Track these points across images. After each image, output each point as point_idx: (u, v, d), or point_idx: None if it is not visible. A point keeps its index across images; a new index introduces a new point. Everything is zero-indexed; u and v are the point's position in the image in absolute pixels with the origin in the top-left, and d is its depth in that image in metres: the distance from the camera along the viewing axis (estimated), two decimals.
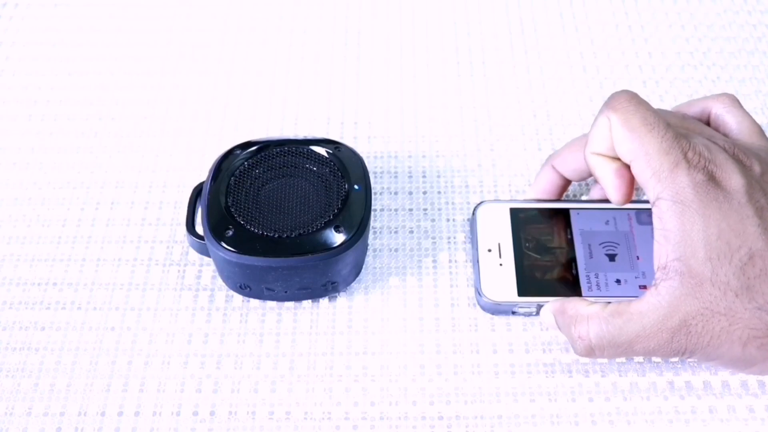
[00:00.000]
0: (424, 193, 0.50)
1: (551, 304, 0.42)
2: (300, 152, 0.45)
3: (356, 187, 0.44)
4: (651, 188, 0.38)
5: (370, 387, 0.43)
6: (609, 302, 0.40)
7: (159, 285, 0.46)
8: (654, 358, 0.43)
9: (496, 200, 0.48)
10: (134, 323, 0.45)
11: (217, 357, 0.44)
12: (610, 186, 0.41)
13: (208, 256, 0.45)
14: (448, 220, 0.49)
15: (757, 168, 0.39)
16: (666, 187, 0.38)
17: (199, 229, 0.44)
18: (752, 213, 0.37)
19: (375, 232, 0.48)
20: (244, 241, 0.42)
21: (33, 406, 0.42)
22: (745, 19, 0.60)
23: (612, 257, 0.45)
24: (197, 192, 0.46)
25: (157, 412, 0.42)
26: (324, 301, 0.46)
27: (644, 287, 0.44)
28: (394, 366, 0.43)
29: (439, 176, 0.51)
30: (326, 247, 0.42)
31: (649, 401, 0.42)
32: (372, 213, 0.49)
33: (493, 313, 0.45)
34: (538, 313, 0.44)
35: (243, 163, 0.45)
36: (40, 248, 0.48)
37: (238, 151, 0.45)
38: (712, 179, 0.38)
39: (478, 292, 0.45)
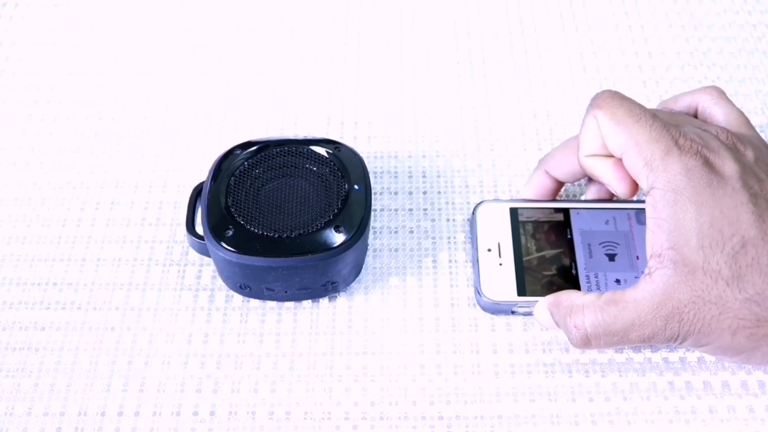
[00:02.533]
0: (424, 193, 0.50)
1: (545, 299, 0.42)
2: (300, 152, 0.45)
3: (356, 187, 0.44)
4: (644, 178, 0.38)
5: (370, 387, 0.43)
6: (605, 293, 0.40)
7: (159, 285, 0.46)
8: (654, 359, 0.43)
9: (496, 200, 0.48)
10: (134, 323, 0.45)
11: (217, 357, 0.44)
12: (613, 181, 0.41)
13: (208, 256, 0.45)
14: (448, 220, 0.49)
15: (750, 154, 0.39)
16: (658, 175, 0.38)
17: (199, 229, 0.44)
18: (746, 199, 0.37)
19: (375, 232, 0.48)
20: (244, 241, 0.42)
21: (33, 406, 0.42)
22: (745, 19, 0.60)
23: (612, 257, 0.45)
24: (197, 192, 0.46)
25: (157, 412, 0.42)
26: (324, 301, 0.46)
27: None
28: (394, 366, 0.43)
29: (439, 176, 0.51)
30: (326, 247, 0.42)
31: (649, 401, 0.42)
32: (372, 213, 0.49)
33: (492, 313, 0.45)
34: None
35: (243, 163, 0.45)
36: (40, 248, 0.48)
37: (238, 151, 0.45)
38: (707, 164, 0.37)
39: (478, 291, 0.45)
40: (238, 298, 0.46)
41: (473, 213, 0.48)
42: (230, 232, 0.42)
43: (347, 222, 0.43)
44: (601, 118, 0.40)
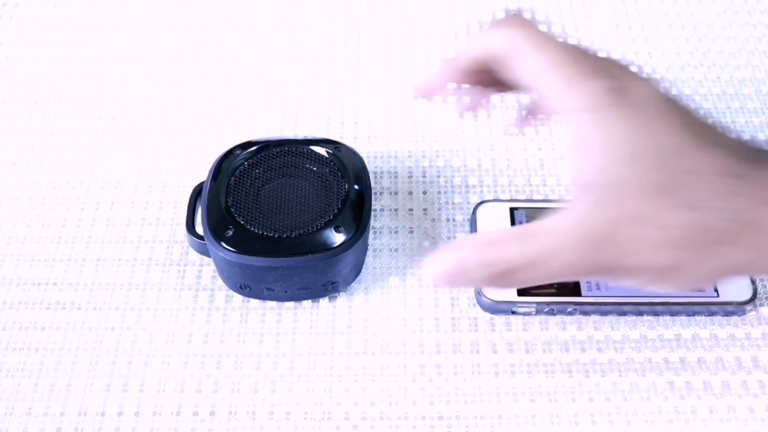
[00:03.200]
0: (424, 193, 0.50)
1: (439, 252, 0.36)
2: (300, 152, 0.45)
3: (356, 187, 0.44)
4: (563, 100, 0.36)
5: (370, 387, 0.43)
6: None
7: (159, 285, 0.46)
8: (654, 359, 0.43)
9: (496, 200, 0.48)
10: (134, 323, 0.45)
11: (217, 357, 0.44)
12: (432, 80, 0.40)
13: (208, 256, 0.45)
14: (448, 220, 0.49)
15: (664, 87, 0.38)
16: (581, 97, 0.36)
17: (199, 229, 0.44)
18: (667, 116, 0.35)
19: (375, 232, 0.48)
20: (244, 241, 0.42)
21: (33, 406, 0.42)
22: (745, 19, 0.60)
23: None
24: (197, 192, 0.46)
25: (157, 412, 0.42)
26: (324, 301, 0.46)
27: None
28: (394, 366, 0.43)
29: (439, 176, 0.51)
30: (326, 247, 0.42)
31: (649, 401, 0.42)
32: (372, 213, 0.49)
33: (492, 313, 0.45)
34: (537, 313, 0.45)
35: (243, 163, 0.45)
36: (40, 248, 0.48)
37: (238, 151, 0.45)
38: (624, 88, 0.36)
39: (478, 291, 0.45)
40: (238, 298, 0.46)
41: (473, 213, 0.48)
42: (230, 232, 0.42)
43: (347, 222, 0.43)
44: (519, 37, 0.37)
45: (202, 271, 0.47)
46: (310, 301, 0.46)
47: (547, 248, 0.34)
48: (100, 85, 0.56)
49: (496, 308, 0.45)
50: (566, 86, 0.36)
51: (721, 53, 0.58)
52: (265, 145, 0.45)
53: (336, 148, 0.46)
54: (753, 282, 0.45)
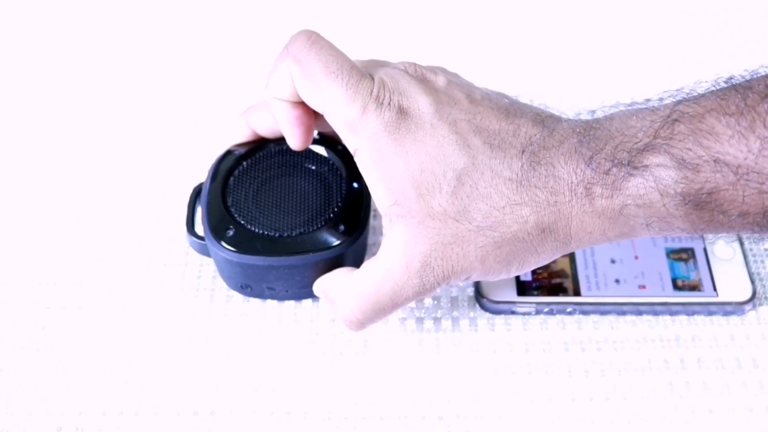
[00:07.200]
0: None
1: (317, 285, 0.42)
2: (299, 151, 0.45)
3: (356, 185, 0.44)
4: (347, 140, 0.38)
5: (370, 387, 0.43)
6: (357, 270, 0.40)
7: (159, 285, 0.46)
8: (653, 360, 0.43)
9: None
10: (134, 323, 0.45)
11: (217, 357, 0.44)
12: (289, 134, 0.41)
13: (209, 256, 0.45)
14: None
15: (441, 79, 0.39)
16: (360, 137, 0.37)
17: (199, 229, 0.44)
18: (447, 132, 0.37)
19: (375, 232, 0.49)
20: (245, 241, 0.42)
21: (33, 406, 0.42)
22: (745, 20, 0.60)
23: (611, 257, 0.46)
24: (197, 192, 0.46)
25: (157, 412, 0.42)
26: (324, 301, 0.46)
27: (643, 287, 0.44)
28: (394, 366, 0.43)
29: None
30: (326, 246, 0.42)
31: (649, 401, 0.42)
32: (372, 212, 0.49)
33: (492, 313, 0.45)
34: (537, 313, 0.45)
35: (243, 162, 0.45)
36: (40, 248, 0.48)
37: (237, 151, 0.45)
38: (401, 112, 0.37)
39: (478, 291, 0.45)
40: (238, 298, 0.46)
41: None
42: (231, 232, 0.42)
43: (347, 221, 0.43)
44: (296, 74, 0.38)
45: (202, 271, 0.47)
46: (310, 300, 0.46)
47: (386, 295, 0.38)
48: (100, 85, 0.56)
49: (496, 308, 0.45)
50: (345, 127, 0.38)
51: (721, 54, 0.58)
52: (265, 145, 0.45)
53: (336, 147, 0.46)
54: (752, 282, 0.45)
